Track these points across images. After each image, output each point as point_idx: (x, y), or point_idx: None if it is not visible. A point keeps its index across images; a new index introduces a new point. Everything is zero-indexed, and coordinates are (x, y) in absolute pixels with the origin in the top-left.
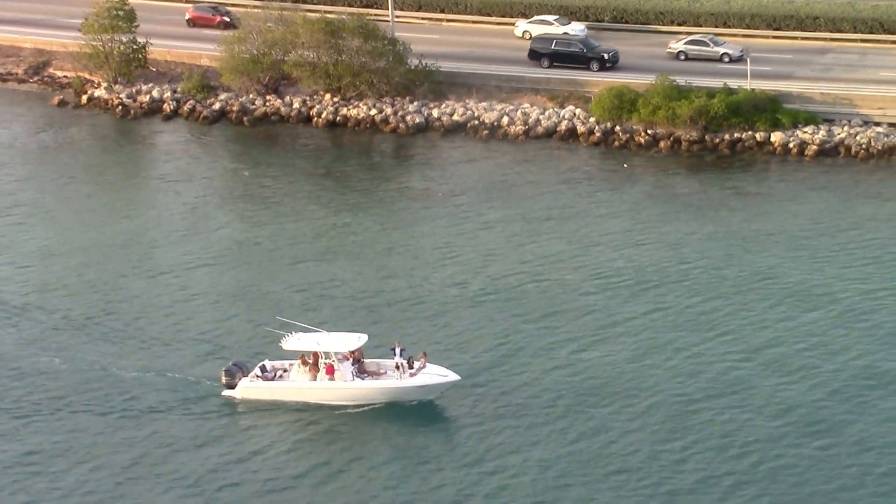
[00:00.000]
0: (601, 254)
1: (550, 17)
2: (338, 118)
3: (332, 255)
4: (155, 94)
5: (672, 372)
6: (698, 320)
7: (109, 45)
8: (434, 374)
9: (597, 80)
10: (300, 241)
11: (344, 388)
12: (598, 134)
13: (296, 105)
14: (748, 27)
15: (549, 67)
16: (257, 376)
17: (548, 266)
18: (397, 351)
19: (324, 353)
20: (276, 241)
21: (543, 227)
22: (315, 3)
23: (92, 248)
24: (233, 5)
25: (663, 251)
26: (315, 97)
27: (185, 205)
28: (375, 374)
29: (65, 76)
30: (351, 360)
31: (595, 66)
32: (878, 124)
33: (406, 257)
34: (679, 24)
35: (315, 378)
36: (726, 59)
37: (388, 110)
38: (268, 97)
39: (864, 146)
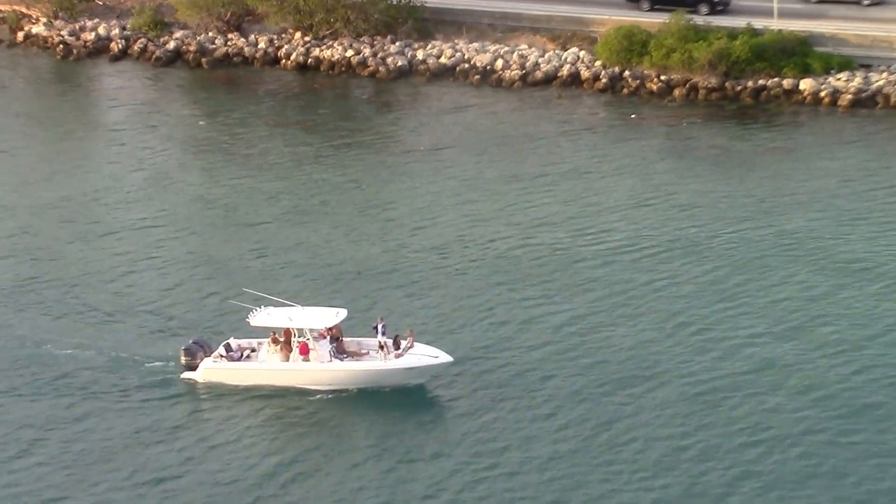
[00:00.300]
0: (604, 217)
1: None
2: (309, 60)
3: (301, 217)
4: (101, 31)
5: (682, 350)
6: (712, 291)
7: None
8: (423, 355)
9: (604, 19)
10: (265, 201)
11: (320, 371)
12: (604, 80)
13: (261, 45)
14: None
15: (649, 11)
16: (221, 356)
17: (543, 231)
18: (380, 328)
19: (297, 330)
20: (237, 200)
21: (539, 186)
22: None
23: (25, 207)
24: None
25: (675, 214)
26: (283, 36)
27: (133, 158)
28: (356, 355)
29: None
30: (328, 338)
31: (704, 9)
32: None
33: (383, 220)
34: None
35: (287, 359)
36: (866, 2)
37: (367, 52)
38: (229, 36)
39: None
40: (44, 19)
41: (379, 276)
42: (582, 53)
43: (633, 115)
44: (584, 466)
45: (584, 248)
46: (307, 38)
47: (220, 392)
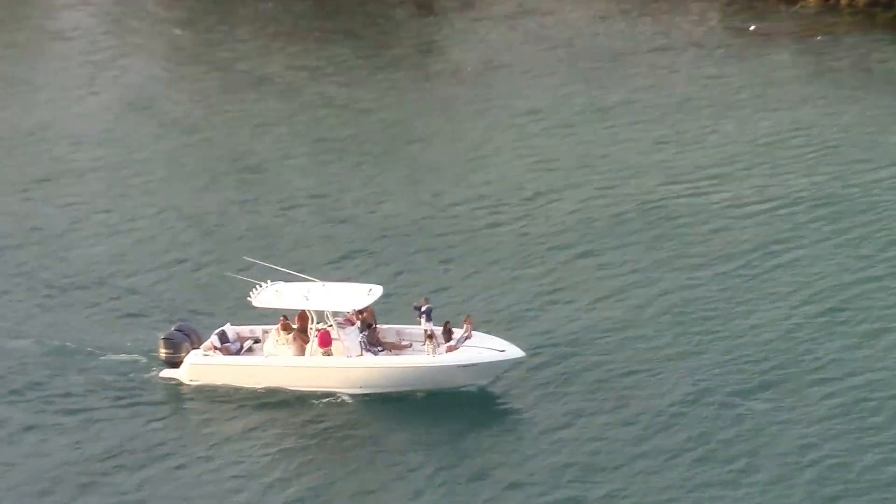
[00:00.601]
0: (711, 160)
1: None
2: None
3: (312, 158)
4: None
5: (806, 336)
6: (852, 259)
7: None
8: (484, 348)
9: None
10: (262, 137)
11: (347, 368)
12: None
13: None
14: None
15: None
16: (215, 348)
17: (629, 178)
18: (423, 309)
19: (316, 313)
20: (226, 135)
21: (625, 119)
22: None
23: None
24: None
25: (806, 155)
26: None
27: (85, 79)
28: (395, 347)
29: None
30: (358, 324)
31: None
32: None
33: (418, 164)
34: None
35: (302, 352)
36: None
37: None
38: None
39: None
40: None
41: (411, 239)
42: None
43: (752, 27)
44: (671, 491)
45: (682, 202)
46: None
47: (210, 396)
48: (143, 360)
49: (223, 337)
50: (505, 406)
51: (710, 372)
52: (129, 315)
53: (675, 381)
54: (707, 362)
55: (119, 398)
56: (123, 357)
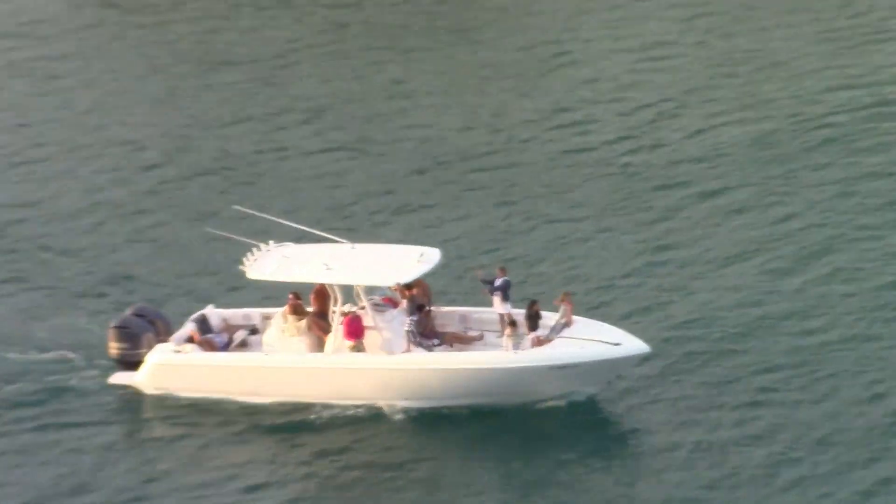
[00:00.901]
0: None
1: None
2: None
3: (317, 56)
4: None
5: None
6: None
7: None
8: (590, 340)
9: None
10: (244, 25)
11: (387, 370)
12: None
13: None
14: None
15: None
16: (193, 340)
17: (779, 86)
18: (498, 284)
19: (341, 288)
20: (194, 22)
21: (772, 14)
22: None
23: None
24: None
25: None
26: None
27: None
28: (459, 339)
29: None
30: (404, 305)
31: None
32: None
33: (470, 64)
34: None
35: (321, 346)
36: None
37: None
38: None
39: None
40: None
41: (457, 174)
42: None
43: None
44: None
45: (857, 118)
46: None
47: (185, 411)
48: (72, 356)
49: (204, 325)
50: (590, 418)
51: (886, 369)
52: (48, 290)
53: (837, 380)
54: (882, 354)
55: (57, 418)
56: (38, 355)
